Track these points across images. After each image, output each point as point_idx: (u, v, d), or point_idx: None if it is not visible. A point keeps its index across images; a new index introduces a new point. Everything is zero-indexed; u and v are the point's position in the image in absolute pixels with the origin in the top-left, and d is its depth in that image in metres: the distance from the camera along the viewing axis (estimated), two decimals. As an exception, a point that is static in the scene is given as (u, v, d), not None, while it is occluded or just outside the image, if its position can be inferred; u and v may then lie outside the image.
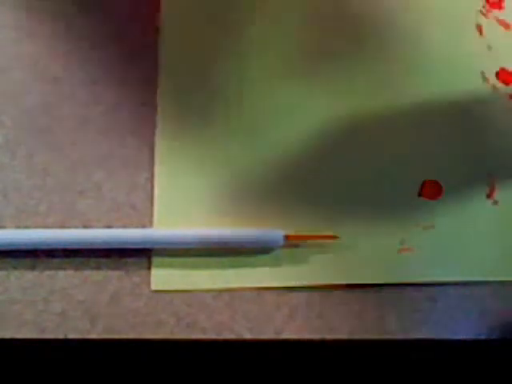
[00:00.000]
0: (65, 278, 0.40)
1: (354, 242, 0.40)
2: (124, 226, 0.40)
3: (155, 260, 0.40)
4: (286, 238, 0.39)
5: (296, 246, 0.40)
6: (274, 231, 0.39)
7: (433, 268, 0.39)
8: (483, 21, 0.43)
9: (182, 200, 0.41)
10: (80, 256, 0.40)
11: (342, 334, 0.39)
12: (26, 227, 0.40)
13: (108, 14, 0.43)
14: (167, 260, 0.40)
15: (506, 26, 0.43)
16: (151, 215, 0.40)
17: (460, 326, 0.39)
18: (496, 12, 0.43)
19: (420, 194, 0.40)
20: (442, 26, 0.43)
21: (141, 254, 0.40)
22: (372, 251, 0.40)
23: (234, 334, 0.39)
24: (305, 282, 0.39)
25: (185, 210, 0.40)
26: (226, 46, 0.42)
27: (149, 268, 0.40)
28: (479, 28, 0.43)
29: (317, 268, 0.40)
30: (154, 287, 0.40)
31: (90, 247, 0.40)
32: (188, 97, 0.42)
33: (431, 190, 0.40)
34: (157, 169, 0.41)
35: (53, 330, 0.39)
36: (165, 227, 0.40)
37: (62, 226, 0.40)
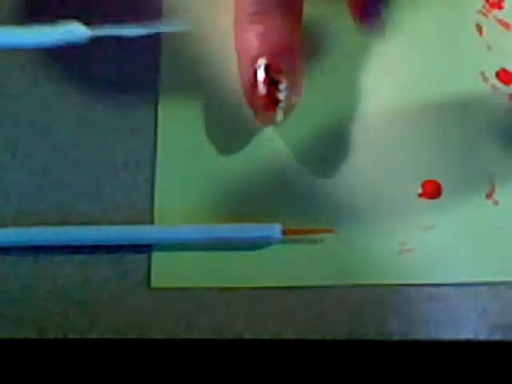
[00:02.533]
0: (65, 277, 0.40)
1: (354, 242, 0.40)
2: (124, 226, 0.40)
3: (155, 258, 0.40)
4: (284, 232, 0.39)
5: (295, 241, 0.40)
6: (271, 225, 0.40)
7: (433, 268, 0.39)
8: (483, 21, 0.43)
9: (182, 200, 0.41)
10: (80, 256, 0.40)
11: (341, 334, 0.39)
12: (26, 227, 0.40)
13: (108, 14, 0.43)
14: (167, 258, 0.40)
15: (506, 25, 0.43)
16: (151, 215, 0.40)
17: (460, 325, 0.39)
18: (496, 12, 0.43)
19: (420, 194, 0.40)
20: (441, 25, 0.43)
21: (141, 253, 0.40)
22: (372, 252, 0.40)
23: (234, 334, 0.39)
24: (304, 283, 0.39)
25: (184, 210, 0.40)
26: (227, 46, 0.42)
27: (149, 267, 0.40)
28: (479, 28, 0.43)
29: (316, 268, 0.40)
30: (153, 285, 0.40)
31: (89, 244, 0.40)
32: (189, 97, 0.42)
33: (431, 190, 0.40)
34: (157, 169, 0.41)
35: (53, 330, 0.39)
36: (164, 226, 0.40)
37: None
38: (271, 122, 0.40)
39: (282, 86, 0.38)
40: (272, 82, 0.38)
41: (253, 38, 0.39)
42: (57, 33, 0.34)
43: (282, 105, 0.39)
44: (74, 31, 0.34)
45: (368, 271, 0.39)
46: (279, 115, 0.39)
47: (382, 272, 0.39)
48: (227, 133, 0.42)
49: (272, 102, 0.39)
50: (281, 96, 0.38)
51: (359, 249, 0.40)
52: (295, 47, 0.40)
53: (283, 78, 0.38)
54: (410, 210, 0.40)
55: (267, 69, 0.38)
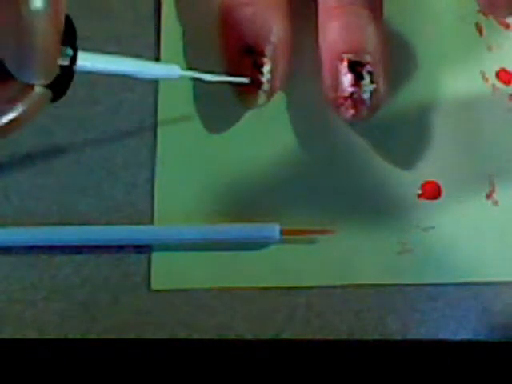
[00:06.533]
0: (65, 277, 0.40)
1: (354, 242, 0.40)
2: (124, 226, 0.40)
3: (155, 259, 0.40)
4: (283, 232, 0.39)
5: (294, 241, 0.40)
6: (269, 225, 0.40)
7: (433, 269, 0.39)
8: (483, 21, 0.43)
9: (182, 200, 0.41)
10: (80, 256, 0.40)
11: (341, 334, 0.39)
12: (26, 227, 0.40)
13: (108, 14, 0.43)
14: (166, 258, 0.40)
15: (506, 25, 0.43)
16: (151, 215, 0.40)
17: (460, 325, 0.39)
18: (496, 12, 0.43)
19: (420, 195, 0.40)
20: (441, 25, 0.43)
21: (141, 254, 0.40)
22: (372, 252, 0.40)
23: (234, 334, 0.39)
24: (304, 283, 0.39)
25: (184, 210, 0.40)
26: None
27: (149, 267, 0.40)
28: (479, 28, 0.43)
29: (316, 268, 0.40)
30: (153, 287, 0.40)
31: (89, 244, 0.40)
32: (188, 97, 0.42)
33: (431, 191, 0.40)
34: (157, 169, 0.41)
35: (53, 330, 0.39)
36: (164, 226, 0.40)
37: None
38: (254, 104, 0.40)
39: (264, 69, 0.39)
40: (255, 65, 0.39)
41: (240, 21, 0.40)
42: (158, 69, 0.39)
43: (264, 87, 0.39)
44: (170, 70, 0.38)
45: (368, 271, 0.39)
46: (261, 98, 0.40)
47: (381, 272, 0.39)
48: (227, 132, 0.42)
49: (254, 84, 0.39)
50: (263, 79, 0.39)
51: (359, 249, 0.40)
52: (282, 32, 0.40)
53: (267, 62, 0.39)
54: (409, 210, 0.40)
55: (252, 52, 0.39)
